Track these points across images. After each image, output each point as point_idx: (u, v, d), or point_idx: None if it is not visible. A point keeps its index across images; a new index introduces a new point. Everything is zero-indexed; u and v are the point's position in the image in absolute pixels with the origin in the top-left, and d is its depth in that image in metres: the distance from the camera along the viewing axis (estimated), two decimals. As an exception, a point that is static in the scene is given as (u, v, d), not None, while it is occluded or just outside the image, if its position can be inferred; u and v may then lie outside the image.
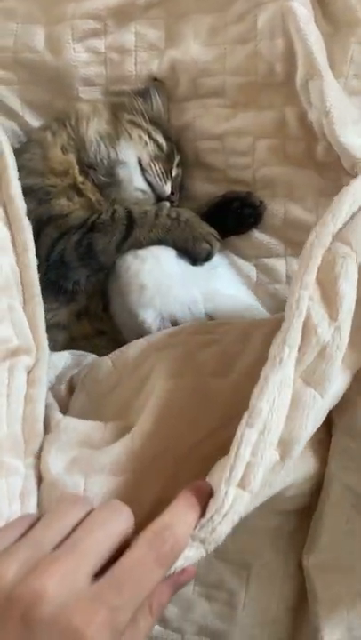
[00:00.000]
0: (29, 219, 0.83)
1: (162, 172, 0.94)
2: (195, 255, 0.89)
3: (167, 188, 0.94)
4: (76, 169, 0.94)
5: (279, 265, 0.97)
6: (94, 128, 0.95)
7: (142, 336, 0.79)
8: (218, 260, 0.94)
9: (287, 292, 0.95)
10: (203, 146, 0.97)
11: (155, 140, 0.95)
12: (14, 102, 1.00)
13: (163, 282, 0.84)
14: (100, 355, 0.84)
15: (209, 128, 0.96)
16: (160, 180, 0.93)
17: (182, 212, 0.90)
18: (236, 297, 0.93)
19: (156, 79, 0.97)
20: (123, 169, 0.93)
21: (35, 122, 1.00)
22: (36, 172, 0.92)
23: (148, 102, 0.97)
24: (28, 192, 0.86)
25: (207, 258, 0.89)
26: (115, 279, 0.87)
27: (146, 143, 0.95)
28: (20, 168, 0.88)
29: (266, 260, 0.97)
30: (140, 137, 0.95)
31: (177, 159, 0.98)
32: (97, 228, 0.86)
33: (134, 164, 0.94)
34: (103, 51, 0.97)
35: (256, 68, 0.93)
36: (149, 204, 0.92)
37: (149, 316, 0.82)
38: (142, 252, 0.86)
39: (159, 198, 0.94)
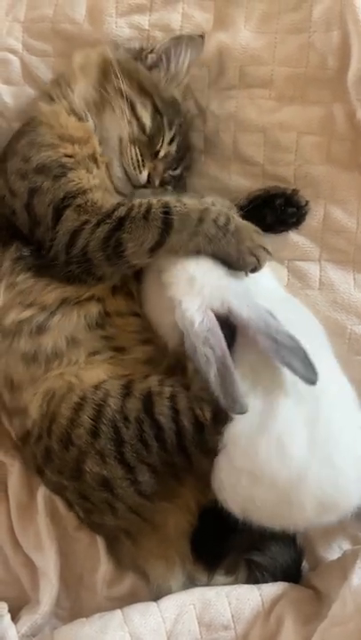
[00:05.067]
0: (45, 204, 0.78)
1: (137, 159, 0.84)
2: (238, 267, 0.79)
3: (142, 177, 0.85)
4: (96, 138, 0.85)
5: (313, 270, 0.92)
6: (80, 92, 0.86)
7: (178, 329, 0.74)
8: None
9: (319, 299, 0.92)
10: (243, 137, 0.92)
11: (138, 119, 0.86)
12: (47, 75, 0.94)
13: (212, 275, 0.79)
14: (128, 339, 0.81)
15: (252, 119, 0.91)
16: (134, 168, 0.84)
17: (231, 217, 0.78)
18: (276, 289, 0.88)
19: (201, 35, 0.88)
20: (105, 147, 0.85)
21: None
22: (47, 145, 0.83)
23: (163, 61, 0.88)
24: (41, 170, 0.80)
25: (252, 271, 0.79)
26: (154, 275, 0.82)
27: (128, 121, 0.85)
28: (31, 147, 0.81)
29: (299, 264, 0.93)
30: (123, 112, 0.85)
31: (167, 139, 0.88)
32: (127, 227, 0.77)
33: (115, 143, 0.85)
34: (147, 28, 0.92)
35: (307, 60, 0.88)
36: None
37: (194, 304, 0.76)
38: None
39: (135, 186, 0.86)
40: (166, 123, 0.87)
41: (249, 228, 0.79)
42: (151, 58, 0.89)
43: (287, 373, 0.74)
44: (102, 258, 0.78)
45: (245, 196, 0.91)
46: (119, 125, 0.85)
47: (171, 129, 0.88)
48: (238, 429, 0.74)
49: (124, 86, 0.85)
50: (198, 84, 0.93)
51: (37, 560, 0.88)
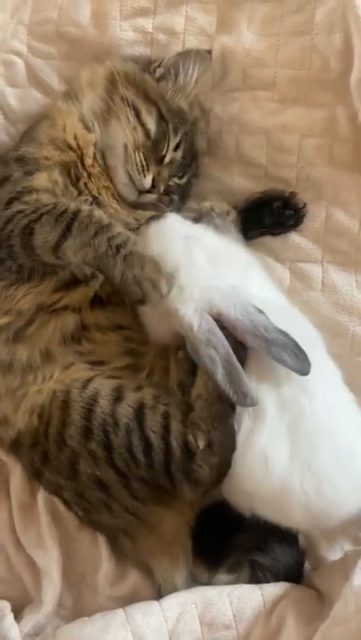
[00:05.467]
0: (7, 192, 0.81)
1: (141, 164, 0.86)
2: (124, 295, 0.77)
3: (146, 182, 0.86)
4: (92, 150, 0.87)
5: (315, 271, 0.93)
6: (89, 103, 0.89)
7: (178, 334, 0.75)
8: (251, 261, 0.89)
9: (321, 300, 0.92)
10: (246, 139, 0.93)
11: (143, 125, 0.87)
12: (51, 77, 0.95)
13: (199, 278, 0.79)
14: (113, 351, 0.81)
15: (255, 121, 0.92)
16: (138, 172, 0.86)
17: (132, 243, 0.74)
18: (267, 300, 0.87)
19: (208, 51, 0.91)
20: (111, 155, 0.87)
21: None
22: (36, 141, 0.86)
23: (171, 74, 0.90)
24: (19, 160, 0.83)
25: (138, 303, 0.77)
26: None
27: (133, 127, 0.87)
28: (26, 138, 0.86)
29: (301, 265, 0.93)
30: (129, 119, 0.87)
31: (172, 145, 0.89)
32: (42, 220, 0.77)
33: (121, 151, 0.87)
34: (150, 31, 0.93)
35: (310, 63, 0.89)
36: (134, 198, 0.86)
37: (189, 309, 0.76)
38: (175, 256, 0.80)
39: (140, 192, 0.87)
40: (172, 129, 0.89)
41: (145, 258, 0.74)
42: (159, 71, 0.91)
43: (269, 384, 0.75)
44: (19, 244, 0.79)
45: (245, 198, 0.91)
46: (124, 133, 0.87)
47: (176, 135, 0.89)
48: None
49: (130, 94, 0.87)
50: (201, 87, 0.93)
51: (39, 560, 0.88)
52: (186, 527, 0.82)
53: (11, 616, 0.83)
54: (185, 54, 0.90)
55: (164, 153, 0.88)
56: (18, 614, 0.86)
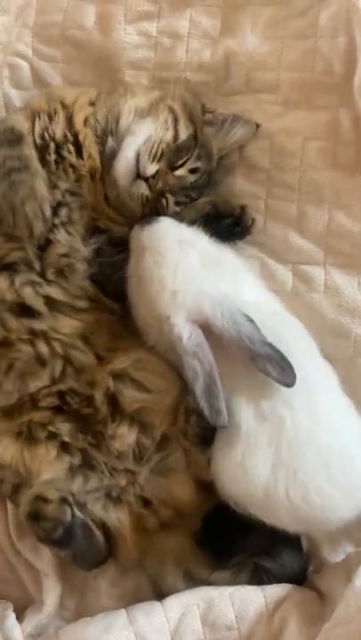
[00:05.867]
0: None
1: (156, 153, 0.84)
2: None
3: (150, 168, 0.84)
4: (84, 113, 0.87)
5: (318, 273, 0.93)
6: (134, 103, 0.88)
7: (169, 340, 0.76)
8: (243, 265, 0.89)
9: (324, 302, 0.92)
10: (249, 143, 0.93)
11: (176, 130, 0.87)
12: (56, 80, 0.96)
13: (193, 283, 0.80)
14: None
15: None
16: (149, 157, 0.84)
17: (32, 173, 0.81)
18: (259, 305, 0.87)
19: (257, 125, 0.92)
20: (128, 137, 0.85)
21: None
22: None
23: (218, 124, 0.90)
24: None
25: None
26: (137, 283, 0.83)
27: (167, 128, 0.86)
28: None
29: (304, 267, 0.93)
30: (167, 121, 0.87)
31: (190, 164, 0.87)
32: None
33: (142, 136, 0.85)
34: (154, 34, 0.93)
35: (313, 65, 0.90)
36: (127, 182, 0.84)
37: (181, 319, 0.77)
38: (168, 254, 0.81)
39: (139, 175, 0.84)
40: (196, 153, 0.88)
41: (34, 195, 0.80)
42: (208, 116, 0.91)
43: (247, 394, 0.76)
44: None
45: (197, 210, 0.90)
46: (154, 127, 0.86)
47: (197, 161, 0.88)
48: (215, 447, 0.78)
49: (176, 106, 0.88)
50: (205, 89, 0.94)
51: (37, 562, 0.88)
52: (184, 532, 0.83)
53: (13, 616, 0.84)
54: (237, 117, 0.91)
55: (180, 163, 0.87)
56: (20, 615, 0.86)
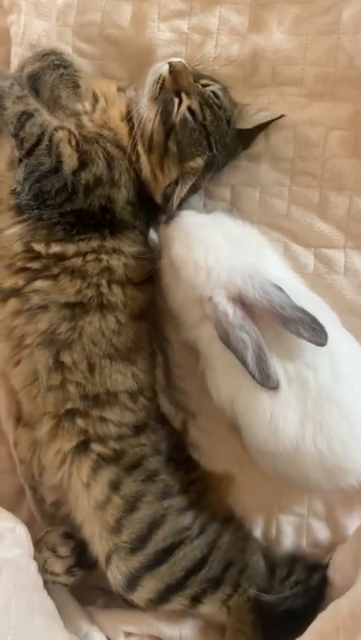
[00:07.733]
0: None
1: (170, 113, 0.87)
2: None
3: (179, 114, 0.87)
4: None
5: (338, 256, 0.97)
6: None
7: (214, 318, 0.82)
8: (266, 243, 0.94)
9: (344, 284, 0.97)
10: (274, 133, 0.98)
11: (203, 111, 0.89)
12: (94, 76, 1.01)
13: (223, 260, 0.85)
14: None
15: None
16: (165, 119, 0.87)
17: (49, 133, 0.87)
18: (283, 280, 0.93)
19: (281, 115, 0.95)
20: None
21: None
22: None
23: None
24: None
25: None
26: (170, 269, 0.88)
27: (189, 104, 0.88)
28: None
29: (325, 250, 0.98)
30: (192, 99, 0.88)
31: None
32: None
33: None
34: (186, 31, 0.99)
35: (336, 60, 0.94)
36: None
37: (222, 297, 0.82)
38: (194, 235, 0.87)
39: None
40: (219, 87, 0.92)
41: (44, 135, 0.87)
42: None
43: (276, 360, 0.81)
44: None
45: None
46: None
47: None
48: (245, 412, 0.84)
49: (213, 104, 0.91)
50: (233, 82, 0.98)
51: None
52: None
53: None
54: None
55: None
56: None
